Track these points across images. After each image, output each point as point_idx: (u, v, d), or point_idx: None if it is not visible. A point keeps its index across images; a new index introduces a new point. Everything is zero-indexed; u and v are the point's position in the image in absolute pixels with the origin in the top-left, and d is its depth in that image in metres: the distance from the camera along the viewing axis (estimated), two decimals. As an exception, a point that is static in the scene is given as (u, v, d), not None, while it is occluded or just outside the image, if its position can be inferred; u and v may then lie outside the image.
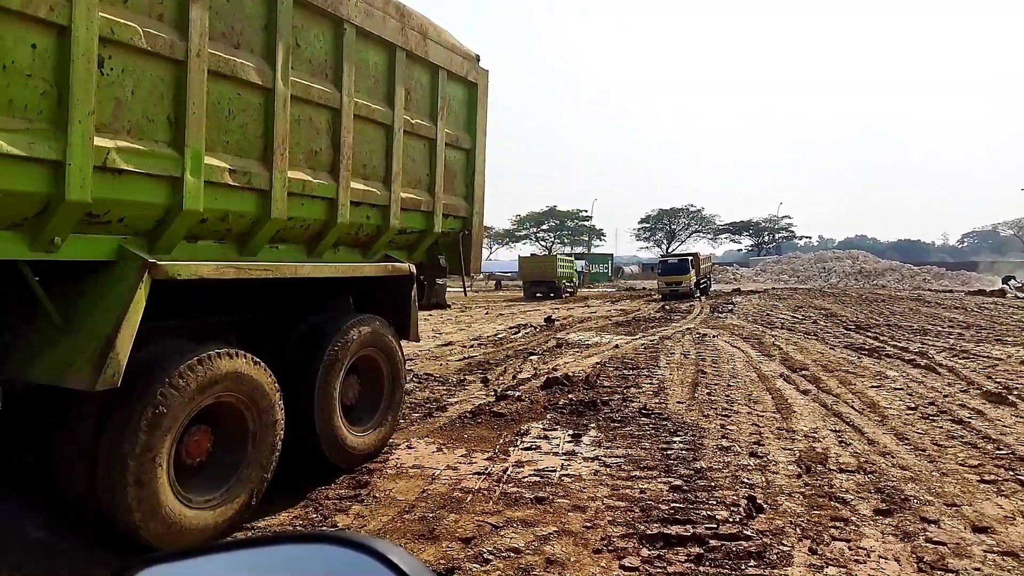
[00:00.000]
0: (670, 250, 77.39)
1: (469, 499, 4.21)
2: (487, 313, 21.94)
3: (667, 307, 25.52)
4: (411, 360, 10.40)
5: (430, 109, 5.27)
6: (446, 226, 5.58)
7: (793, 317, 19.27)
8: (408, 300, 5.15)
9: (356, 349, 4.62)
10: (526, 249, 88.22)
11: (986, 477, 4.66)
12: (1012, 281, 42.50)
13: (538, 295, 34.75)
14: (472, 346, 12.51)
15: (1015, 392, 7.54)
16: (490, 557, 3.39)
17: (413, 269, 5.07)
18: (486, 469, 4.82)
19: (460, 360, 10.52)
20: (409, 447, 5.37)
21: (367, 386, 4.96)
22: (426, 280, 5.75)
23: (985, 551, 3.49)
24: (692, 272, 33.31)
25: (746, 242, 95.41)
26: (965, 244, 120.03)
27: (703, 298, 32.77)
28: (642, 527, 3.77)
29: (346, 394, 4.67)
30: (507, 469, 4.81)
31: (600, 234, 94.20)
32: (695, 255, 36.60)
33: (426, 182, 5.30)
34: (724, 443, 5.49)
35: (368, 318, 4.80)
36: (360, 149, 4.56)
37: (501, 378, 8.80)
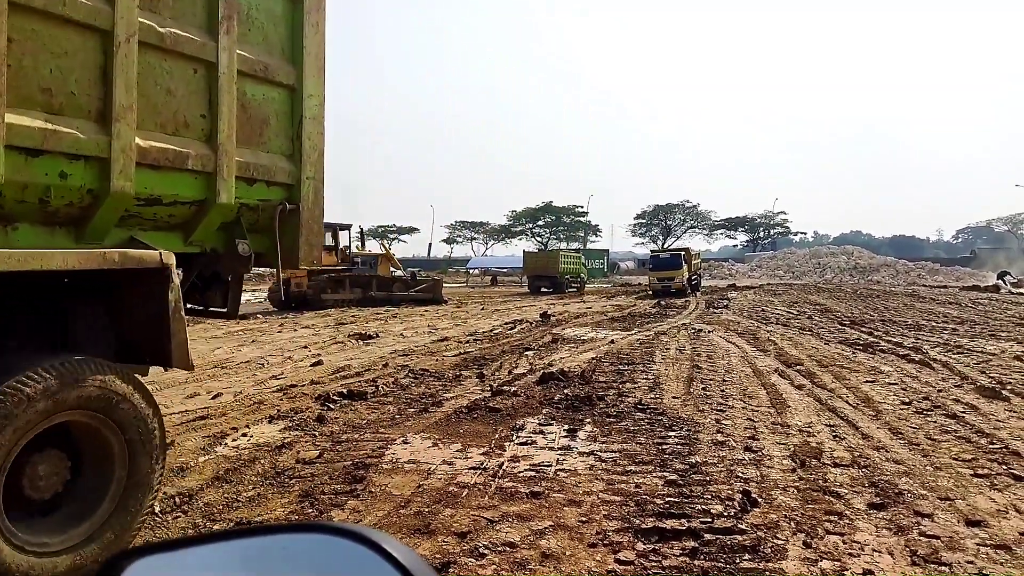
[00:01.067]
0: (665, 246, 77.44)
1: (465, 494, 4.21)
2: (483, 309, 21.92)
3: (662, 303, 25.58)
4: (407, 356, 10.40)
5: (205, 17, 3.58)
6: (251, 196, 3.92)
7: (788, 313, 19.32)
8: (163, 307, 3.30)
9: (46, 413, 2.81)
10: (522, 245, 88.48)
11: (980, 471, 4.68)
12: (1008, 277, 42.61)
13: (543, 290, 35.30)
14: (468, 342, 12.50)
15: (1009, 387, 7.57)
16: (486, 551, 3.40)
17: (169, 259, 3.28)
18: (482, 464, 4.82)
19: (456, 355, 10.52)
20: (405, 442, 5.37)
21: (91, 466, 3.16)
22: (227, 274, 4.21)
23: (978, 544, 3.51)
24: (685, 267, 33.27)
25: (742, 238, 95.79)
26: (960, 240, 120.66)
27: (697, 293, 32.80)
28: (637, 521, 3.78)
29: (33, 485, 2.92)
30: (503, 464, 4.81)
31: (596, 230, 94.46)
32: (686, 250, 36.57)
33: (201, 127, 3.62)
34: (719, 438, 5.51)
35: (85, 363, 2.97)
36: (36, 63, 2.86)
37: (497, 373, 8.80)
